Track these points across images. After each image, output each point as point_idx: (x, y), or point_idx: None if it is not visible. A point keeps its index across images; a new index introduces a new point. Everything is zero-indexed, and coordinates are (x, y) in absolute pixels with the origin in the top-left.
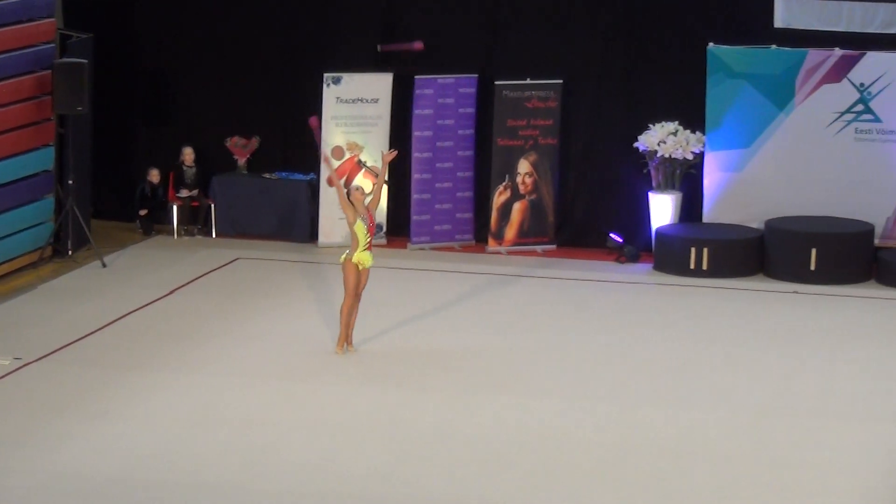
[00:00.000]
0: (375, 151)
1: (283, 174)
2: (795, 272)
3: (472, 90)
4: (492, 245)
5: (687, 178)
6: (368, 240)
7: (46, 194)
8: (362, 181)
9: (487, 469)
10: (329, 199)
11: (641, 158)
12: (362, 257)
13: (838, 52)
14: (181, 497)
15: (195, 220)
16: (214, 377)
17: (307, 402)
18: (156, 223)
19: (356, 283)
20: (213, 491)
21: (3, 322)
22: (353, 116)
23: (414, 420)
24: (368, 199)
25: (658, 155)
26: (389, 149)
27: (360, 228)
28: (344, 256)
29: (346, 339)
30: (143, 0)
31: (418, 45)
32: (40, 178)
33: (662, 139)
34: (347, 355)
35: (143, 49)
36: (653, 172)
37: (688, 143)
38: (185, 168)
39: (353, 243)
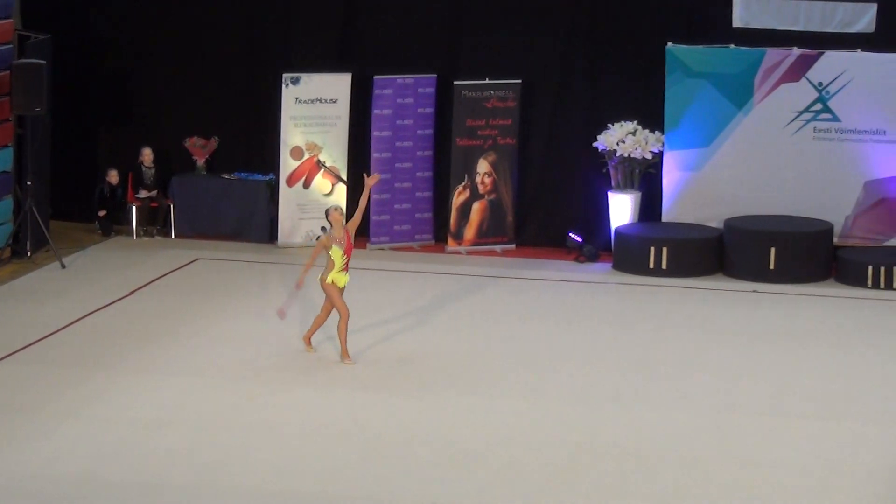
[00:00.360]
0: (334, 151)
1: (243, 174)
2: (755, 271)
3: (432, 90)
4: (451, 245)
5: (646, 178)
6: (345, 261)
7: (5, 195)
8: (321, 181)
9: (451, 469)
10: (288, 199)
11: (600, 158)
12: (337, 278)
13: (797, 51)
14: (143, 498)
15: (154, 221)
16: (175, 378)
17: (270, 402)
18: (115, 224)
19: (341, 297)
20: (175, 491)
21: None
22: (312, 117)
23: (378, 420)
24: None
25: (617, 154)
26: (373, 172)
27: (336, 253)
28: (320, 277)
29: (345, 349)
30: (101, 1)
31: None
32: None
33: (621, 138)
34: (309, 356)
35: (102, 50)
36: (612, 172)
37: (647, 143)
38: (144, 169)
39: (328, 264)
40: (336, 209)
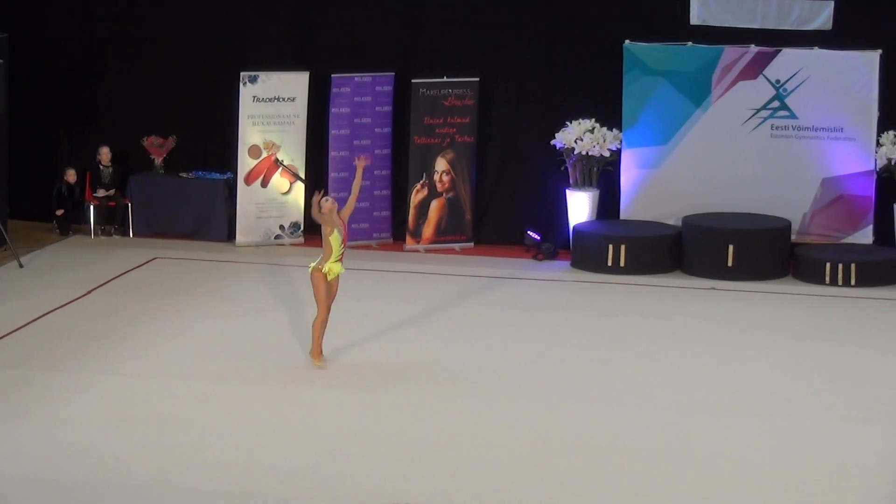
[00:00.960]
0: (292, 150)
1: (200, 173)
2: (713, 268)
3: (389, 88)
4: (410, 243)
5: (604, 176)
6: (342, 250)
7: None
8: (279, 180)
9: (409, 467)
10: (246, 198)
11: (558, 156)
12: (333, 267)
13: (754, 48)
14: (100, 497)
15: (112, 220)
16: (133, 377)
17: (227, 401)
18: (73, 223)
19: (327, 294)
20: (133, 491)
21: None
22: (270, 115)
23: (335, 419)
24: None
25: (575, 152)
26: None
27: (336, 239)
28: (312, 266)
29: (319, 350)
30: (58, 0)
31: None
32: None
33: (579, 136)
34: (270, 357)
35: (59, 48)
36: (570, 170)
37: (605, 141)
38: (101, 168)
39: (324, 253)
40: (327, 200)
